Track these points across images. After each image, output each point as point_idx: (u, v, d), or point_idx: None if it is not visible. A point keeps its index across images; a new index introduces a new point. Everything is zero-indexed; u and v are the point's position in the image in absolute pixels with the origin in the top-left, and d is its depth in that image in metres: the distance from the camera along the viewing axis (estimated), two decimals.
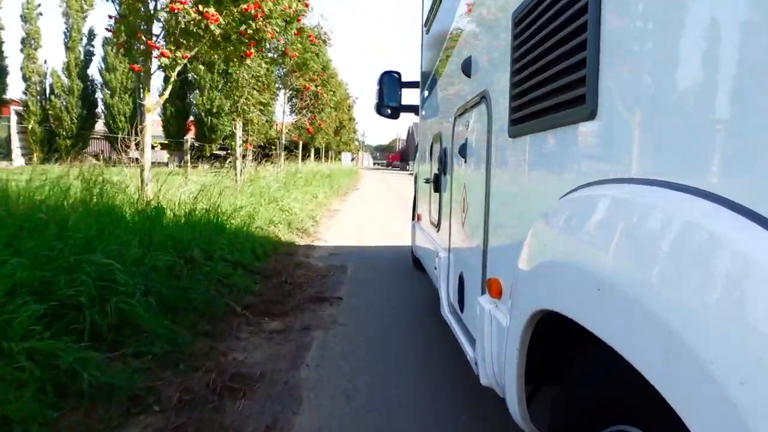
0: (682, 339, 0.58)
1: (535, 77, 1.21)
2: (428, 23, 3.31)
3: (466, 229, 1.98)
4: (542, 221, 1.07)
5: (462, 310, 2.05)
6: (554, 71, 1.10)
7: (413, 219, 4.42)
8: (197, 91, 26.85)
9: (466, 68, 1.97)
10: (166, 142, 27.49)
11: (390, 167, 63.96)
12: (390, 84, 4.06)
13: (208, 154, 24.85)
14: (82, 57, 25.16)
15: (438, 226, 2.77)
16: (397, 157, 68.92)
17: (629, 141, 0.85)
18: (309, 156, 21.94)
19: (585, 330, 0.82)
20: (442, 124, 2.70)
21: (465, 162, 2.02)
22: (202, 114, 26.04)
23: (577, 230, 0.93)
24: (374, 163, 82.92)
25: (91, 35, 25.74)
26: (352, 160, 51.84)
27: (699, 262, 0.60)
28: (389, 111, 4.10)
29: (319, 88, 14.75)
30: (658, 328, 0.62)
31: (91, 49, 25.76)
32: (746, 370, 0.50)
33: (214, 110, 25.65)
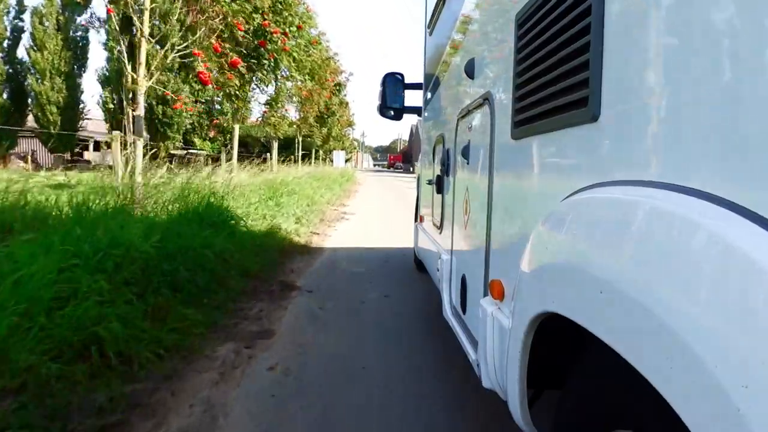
0: (684, 342, 0.58)
1: (537, 79, 1.21)
2: (431, 25, 3.32)
3: (469, 231, 1.97)
4: (545, 223, 1.07)
5: (464, 311, 2.05)
6: (557, 73, 1.10)
7: (416, 220, 4.42)
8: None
9: (469, 70, 1.97)
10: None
11: (392, 169, 63.06)
12: (393, 85, 4.07)
13: (164, 155, 18.80)
14: (8, 34, 19.69)
15: (440, 227, 2.77)
16: (399, 157, 68.04)
17: (632, 143, 0.85)
18: (271, 157, 13.93)
19: (588, 332, 0.82)
20: (445, 125, 2.70)
21: (467, 163, 2.02)
22: (153, 102, 19.48)
23: (579, 232, 0.93)
24: (374, 165, 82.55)
25: (21, 7, 20.16)
26: (347, 161, 39.79)
27: (702, 265, 0.60)
28: (392, 112, 4.11)
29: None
30: (661, 331, 0.62)
31: (21, 24, 19.88)
32: (749, 374, 0.50)
33: (167, 97, 18.67)
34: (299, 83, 11.78)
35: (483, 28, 1.89)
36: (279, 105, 11.56)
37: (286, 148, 17.56)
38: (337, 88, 20.00)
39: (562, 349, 1.11)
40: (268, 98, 11.23)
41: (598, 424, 0.88)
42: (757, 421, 0.48)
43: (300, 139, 17.88)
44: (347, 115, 27.59)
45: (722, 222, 0.60)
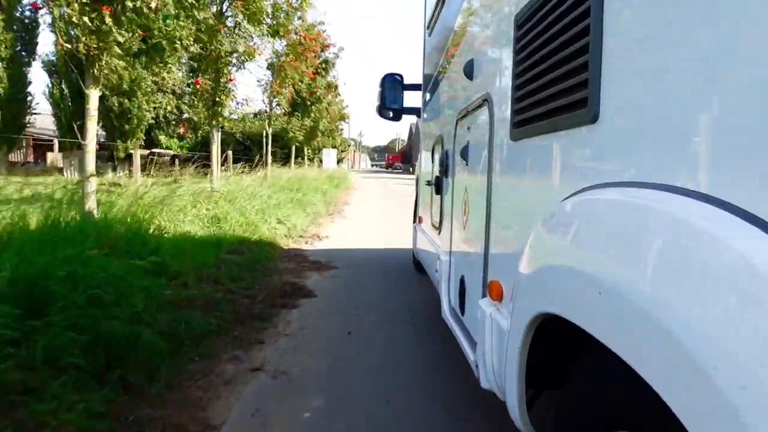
0: (683, 343, 0.58)
1: (537, 80, 1.21)
2: (431, 25, 3.32)
3: (468, 232, 1.97)
4: (544, 224, 1.07)
5: (463, 312, 2.05)
6: (556, 74, 1.10)
7: (414, 221, 4.42)
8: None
9: (468, 71, 1.97)
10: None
11: (390, 169, 62.65)
12: (392, 86, 4.07)
13: (123, 156, 16.13)
14: None
15: (439, 228, 2.77)
16: (398, 157, 67.48)
17: (631, 144, 0.85)
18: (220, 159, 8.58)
19: (587, 334, 0.82)
20: (444, 126, 2.70)
21: (466, 164, 2.02)
22: (107, 94, 15.69)
23: (578, 233, 0.93)
24: (372, 165, 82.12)
25: None
26: (340, 161, 33.17)
27: (700, 267, 0.60)
28: (391, 113, 4.11)
29: None
30: (659, 332, 0.62)
31: None
32: (747, 375, 0.50)
33: (125, 87, 15.79)
34: (255, 41, 7.77)
35: (482, 29, 1.90)
36: (165, 58, 6.66)
37: (263, 147, 12.97)
38: (324, 66, 15.42)
39: (562, 349, 1.11)
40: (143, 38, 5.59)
41: (598, 424, 0.88)
42: (756, 422, 0.49)
43: (269, 131, 11.67)
44: (338, 106, 21.76)
45: (721, 224, 0.60)
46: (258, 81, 11.23)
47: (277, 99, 11.44)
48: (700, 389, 0.55)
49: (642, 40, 0.84)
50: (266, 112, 11.82)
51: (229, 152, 10.13)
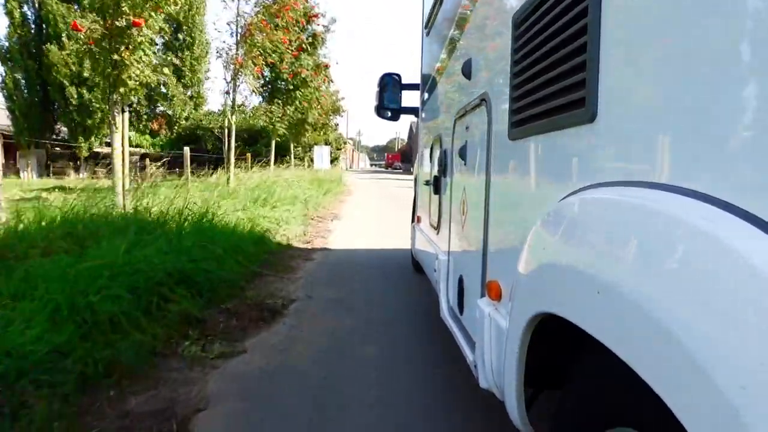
0: (682, 343, 0.58)
1: (535, 80, 1.21)
2: (428, 25, 3.32)
3: (466, 232, 1.97)
4: (542, 224, 1.07)
5: (461, 312, 2.05)
6: (554, 74, 1.10)
7: (413, 221, 4.43)
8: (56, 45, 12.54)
9: (466, 70, 1.97)
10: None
11: (389, 169, 62.58)
12: (390, 86, 4.07)
13: (85, 155, 14.38)
14: None
15: (438, 228, 2.77)
16: (397, 157, 67.32)
17: (629, 144, 0.85)
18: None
19: (586, 333, 0.82)
20: (442, 126, 2.70)
21: (465, 164, 2.02)
22: (65, 83, 14.04)
23: (576, 233, 0.93)
24: (371, 164, 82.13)
25: None
26: (333, 161, 28.42)
27: (700, 266, 0.60)
28: (389, 113, 4.11)
29: None
30: (658, 331, 0.62)
31: None
32: (747, 374, 0.50)
33: (86, 76, 13.16)
34: None
35: (480, 29, 1.89)
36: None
37: (253, 143, 10.87)
38: (311, 42, 12.10)
39: (561, 349, 1.11)
40: None
41: (598, 424, 0.88)
42: (756, 422, 0.48)
43: (232, 120, 8.80)
44: (332, 98, 17.66)
45: (719, 223, 0.60)
46: (217, 51, 8.78)
47: (242, 74, 8.47)
48: (700, 389, 0.55)
49: (640, 40, 0.84)
50: (227, 93, 8.79)
51: (186, 149, 7.93)
